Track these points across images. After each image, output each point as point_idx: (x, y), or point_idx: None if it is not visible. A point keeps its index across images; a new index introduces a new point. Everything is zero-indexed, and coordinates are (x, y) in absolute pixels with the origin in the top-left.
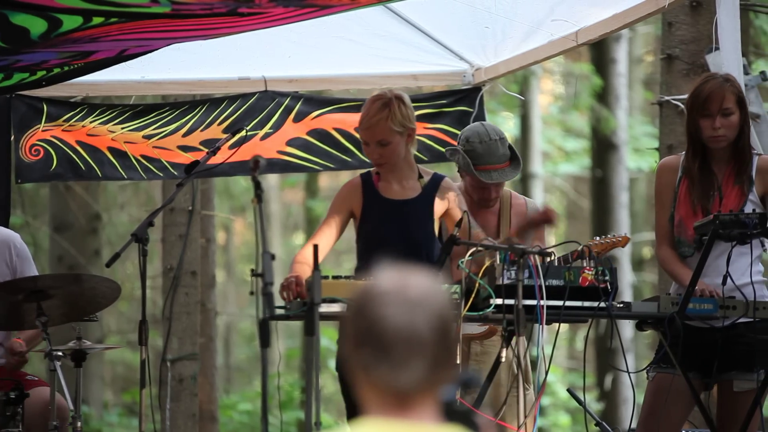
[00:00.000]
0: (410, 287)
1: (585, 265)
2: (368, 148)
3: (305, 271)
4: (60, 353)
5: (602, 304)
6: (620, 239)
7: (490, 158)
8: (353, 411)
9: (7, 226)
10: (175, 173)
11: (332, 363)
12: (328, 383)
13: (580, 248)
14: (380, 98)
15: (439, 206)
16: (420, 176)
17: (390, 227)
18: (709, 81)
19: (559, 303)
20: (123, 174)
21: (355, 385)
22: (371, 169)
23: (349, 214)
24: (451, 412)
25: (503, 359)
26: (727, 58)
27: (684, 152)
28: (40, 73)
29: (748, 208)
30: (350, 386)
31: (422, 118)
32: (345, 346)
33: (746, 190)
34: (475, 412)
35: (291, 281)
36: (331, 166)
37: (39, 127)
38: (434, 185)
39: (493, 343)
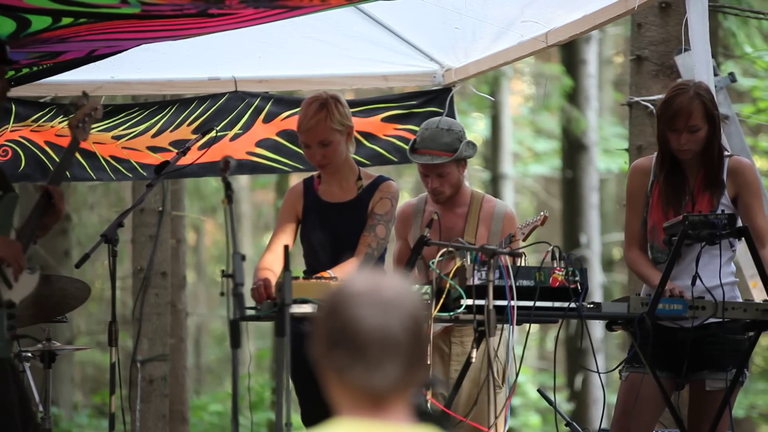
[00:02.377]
0: (383, 288)
1: (555, 265)
2: (310, 150)
3: (270, 276)
4: (29, 354)
5: (572, 305)
6: (539, 219)
7: (430, 143)
8: (306, 409)
9: None
10: (145, 174)
11: None
12: None
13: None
14: (316, 99)
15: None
16: (359, 178)
17: (325, 230)
18: (678, 95)
19: (530, 303)
20: (92, 175)
21: (327, 386)
22: (315, 173)
23: (296, 220)
24: (419, 413)
25: (473, 359)
26: (696, 60)
27: (656, 154)
28: (9, 73)
29: None
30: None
31: (392, 119)
32: (317, 347)
33: (718, 195)
34: (445, 412)
35: (259, 284)
36: (301, 167)
37: (7, 128)
38: (373, 188)
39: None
